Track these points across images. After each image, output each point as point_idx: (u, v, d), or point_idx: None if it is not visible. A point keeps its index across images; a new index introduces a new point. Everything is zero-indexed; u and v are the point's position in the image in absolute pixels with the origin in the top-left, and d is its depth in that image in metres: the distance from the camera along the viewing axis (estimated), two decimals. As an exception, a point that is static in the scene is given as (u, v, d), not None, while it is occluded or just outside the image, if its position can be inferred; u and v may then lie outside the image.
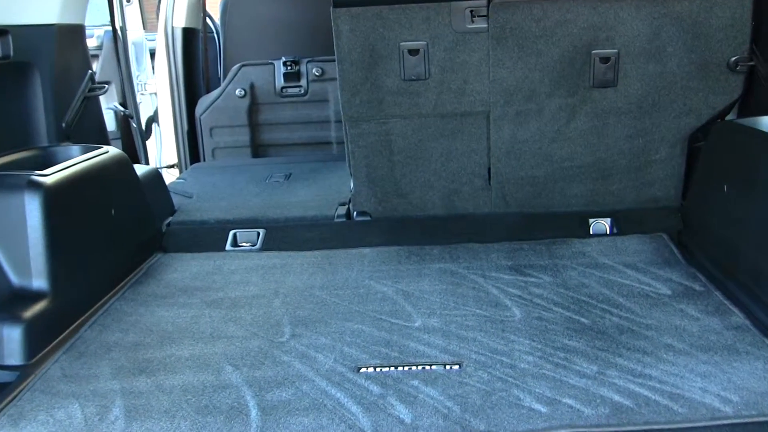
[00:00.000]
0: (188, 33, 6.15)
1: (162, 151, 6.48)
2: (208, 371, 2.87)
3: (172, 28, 6.03)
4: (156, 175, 4.58)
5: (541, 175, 4.18)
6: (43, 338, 3.14)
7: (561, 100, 4.01)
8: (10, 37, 3.78)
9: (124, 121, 4.91)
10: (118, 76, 5.90)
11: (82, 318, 3.41)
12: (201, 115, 6.10)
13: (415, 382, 2.69)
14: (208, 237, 4.36)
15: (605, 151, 4.11)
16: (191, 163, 6.21)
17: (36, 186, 3.27)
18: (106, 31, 5.94)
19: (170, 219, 4.55)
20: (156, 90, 6.26)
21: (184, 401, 2.67)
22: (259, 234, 4.33)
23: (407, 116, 4.11)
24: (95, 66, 6.03)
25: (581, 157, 4.13)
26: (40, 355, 3.07)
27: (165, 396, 2.71)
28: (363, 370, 2.81)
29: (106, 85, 4.54)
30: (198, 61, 6.36)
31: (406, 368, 2.80)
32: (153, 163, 6.59)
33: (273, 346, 3.05)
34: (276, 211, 4.55)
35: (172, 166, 6.33)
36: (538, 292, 3.42)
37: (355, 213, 4.41)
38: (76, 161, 3.64)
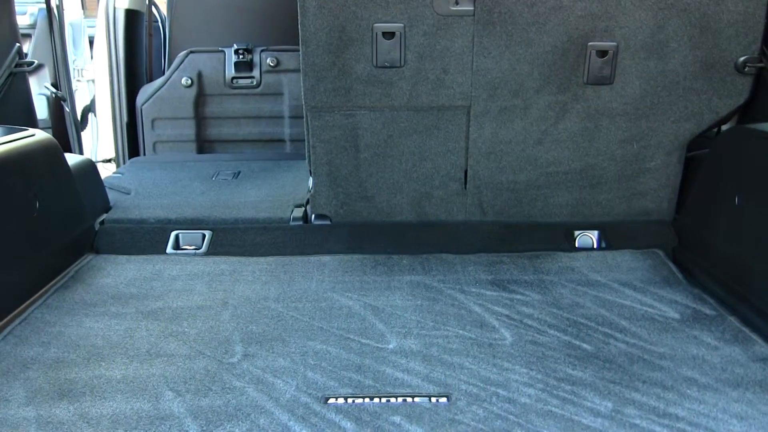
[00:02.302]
0: (131, 15, 5.61)
1: (98, 144, 5.93)
2: (144, 397, 2.39)
3: (114, 9, 5.49)
4: (89, 166, 4.05)
5: (523, 181, 3.76)
6: None
7: (550, 97, 3.59)
8: None
9: (56, 105, 4.39)
10: (52, 58, 5.36)
11: None
12: (142, 105, 5.57)
13: (397, 418, 2.23)
14: (146, 238, 3.85)
15: (595, 157, 3.70)
16: (130, 158, 5.68)
17: None
18: (40, 9, 5.39)
19: (104, 216, 4.03)
20: (94, 77, 5.72)
21: None
22: (204, 236, 3.85)
23: (377, 108, 3.65)
24: (27, 46, 5.47)
25: (568, 162, 3.72)
26: None
27: (90, 428, 2.23)
28: (332, 400, 2.35)
29: (36, 61, 4.01)
30: (141, 46, 5.83)
31: (384, 400, 2.34)
32: (89, 156, 6.04)
33: (222, 367, 2.57)
34: (224, 212, 4.06)
35: (109, 161, 5.79)
36: (527, 311, 2.99)
37: (313, 216, 3.94)
38: None
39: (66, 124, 4.48)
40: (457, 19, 3.48)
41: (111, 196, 4.37)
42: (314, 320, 2.95)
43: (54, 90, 4.45)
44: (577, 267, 3.47)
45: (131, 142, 5.70)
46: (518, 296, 3.15)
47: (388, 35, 3.51)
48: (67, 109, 4.65)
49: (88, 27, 6.47)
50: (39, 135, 3.45)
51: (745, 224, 3.09)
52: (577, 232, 3.77)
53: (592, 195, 3.77)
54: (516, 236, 3.76)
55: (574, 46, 3.50)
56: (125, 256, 3.70)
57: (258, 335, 2.83)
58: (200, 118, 5.64)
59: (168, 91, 5.55)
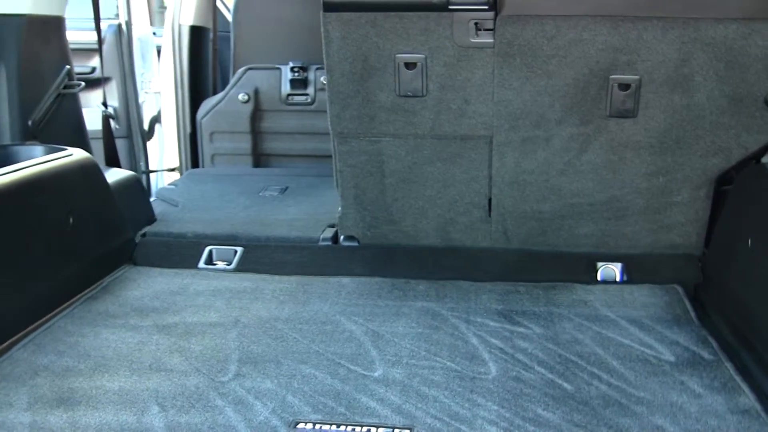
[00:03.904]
0: (196, 31, 5.83)
1: (164, 154, 6.18)
2: (132, 410, 2.52)
3: (179, 25, 5.72)
4: (134, 181, 4.25)
5: (547, 211, 3.77)
6: None
7: (573, 129, 3.60)
8: None
9: (105, 121, 4.60)
10: (119, 72, 5.61)
11: (19, 335, 3.07)
12: (202, 118, 5.78)
13: (354, 448, 2.31)
14: (182, 252, 4.01)
15: (620, 189, 3.68)
16: (192, 168, 5.90)
17: None
18: (109, 25, 5.65)
19: (146, 229, 4.21)
20: (159, 89, 5.96)
21: None
22: (236, 252, 3.98)
23: (401, 136, 3.72)
24: (96, 61, 5.73)
25: (593, 194, 3.71)
26: None
27: (74, 436, 2.38)
28: (301, 425, 2.43)
29: (83, 83, 4.22)
30: (206, 61, 6.04)
31: (350, 428, 2.42)
32: (155, 166, 6.30)
33: (211, 386, 2.69)
34: (259, 229, 4.19)
35: (173, 170, 6.03)
36: (523, 345, 3.02)
37: (342, 237, 4.03)
38: (26, 164, 3.31)
39: (114, 139, 4.69)
40: (477, 50, 3.52)
41: (160, 207, 4.55)
42: (313, 343, 3.03)
43: (103, 108, 4.66)
44: (590, 301, 3.46)
45: (194, 153, 5.92)
46: (520, 329, 3.17)
47: (410, 65, 3.57)
48: (115, 126, 4.87)
49: (158, 37, 6.73)
50: (76, 154, 3.64)
51: (755, 268, 3.05)
52: (599, 264, 3.74)
53: (618, 227, 3.75)
54: (538, 265, 3.77)
55: (595, 79, 3.50)
56: (158, 269, 3.86)
57: (256, 355, 2.93)
58: (256, 133, 5.81)
59: (226, 105, 5.73)
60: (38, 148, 3.63)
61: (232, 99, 5.72)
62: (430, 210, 3.86)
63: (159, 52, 6.16)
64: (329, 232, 4.10)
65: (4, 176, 3.14)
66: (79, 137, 4.25)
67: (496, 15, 3.48)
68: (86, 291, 3.56)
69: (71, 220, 3.47)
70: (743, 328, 3.01)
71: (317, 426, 2.43)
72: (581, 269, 3.74)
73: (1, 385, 2.68)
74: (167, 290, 3.60)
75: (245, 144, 5.80)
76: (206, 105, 5.81)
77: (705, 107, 3.49)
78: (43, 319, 3.24)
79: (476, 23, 3.49)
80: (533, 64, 3.50)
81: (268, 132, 5.84)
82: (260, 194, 4.95)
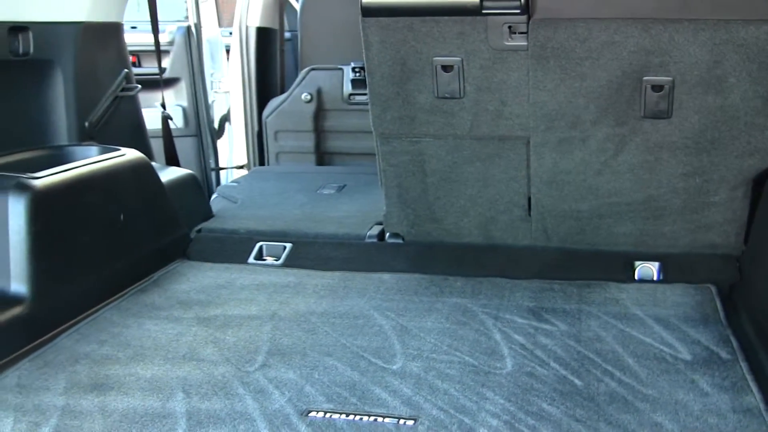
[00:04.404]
0: (263, 33, 6.02)
1: (233, 151, 6.40)
2: (158, 396, 2.69)
3: (246, 27, 5.92)
4: (190, 179, 4.44)
5: (586, 210, 3.81)
6: (11, 344, 3.03)
7: (608, 130, 3.63)
8: (30, 34, 3.72)
9: (164, 122, 4.81)
10: (188, 72, 5.85)
11: (66, 325, 3.28)
12: (267, 117, 5.97)
13: (357, 437, 2.42)
14: (233, 247, 4.18)
15: (657, 189, 3.70)
16: (260, 166, 6.10)
17: (23, 188, 3.17)
18: (178, 27, 5.90)
19: (202, 225, 4.40)
20: (228, 89, 6.18)
21: (117, 427, 2.49)
22: (285, 248, 4.12)
23: (441, 136, 3.81)
24: (166, 62, 5.99)
25: (630, 193, 3.73)
26: (4, 361, 2.95)
27: (102, 420, 2.55)
28: (312, 414, 2.56)
29: (139, 86, 4.43)
30: (273, 62, 6.23)
31: (357, 417, 2.53)
32: (224, 163, 6.52)
33: (237, 375, 2.83)
34: (309, 225, 4.34)
35: (241, 167, 6.24)
36: (544, 342, 3.08)
37: (387, 234, 4.15)
38: (79, 164, 3.53)
39: (173, 139, 4.90)
40: (511, 53, 3.58)
41: (220, 204, 4.74)
42: (342, 337, 3.15)
43: (161, 109, 4.87)
44: (622, 299, 3.48)
45: (260, 151, 6.12)
46: (546, 326, 3.22)
47: (447, 68, 3.65)
48: (174, 126, 5.08)
49: (227, 36, 6.94)
50: (129, 154, 3.84)
51: None
52: (637, 263, 3.77)
53: (656, 226, 3.77)
54: (575, 264, 3.81)
55: (628, 81, 3.52)
56: (210, 264, 4.03)
57: (285, 347, 3.06)
58: (319, 132, 5.97)
59: (290, 105, 5.91)
60: (93, 149, 3.85)
61: (296, 99, 5.89)
62: (472, 208, 3.94)
63: (228, 52, 6.38)
64: (376, 230, 4.21)
65: (58, 174, 3.36)
66: (137, 137, 4.46)
67: (528, 18, 3.53)
68: (137, 284, 3.75)
69: (122, 217, 3.67)
70: (766, 327, 3.01)
71: (327, 415, 2.54)
72: (619, 268, 3.77)
73: (42, 371, 2.89)
74: (214, 284, 3.76)
75: (308, 142, 5.97)
76: (272, 104, 5.99)
77: (739, 108, 3.47)
78: (92, 310, 3.43)
79: (510, 27, 3.55)
80: (567, 66, 3.54)
81: (331, 131, 5.99)
82: (317, 192, 5.10)
